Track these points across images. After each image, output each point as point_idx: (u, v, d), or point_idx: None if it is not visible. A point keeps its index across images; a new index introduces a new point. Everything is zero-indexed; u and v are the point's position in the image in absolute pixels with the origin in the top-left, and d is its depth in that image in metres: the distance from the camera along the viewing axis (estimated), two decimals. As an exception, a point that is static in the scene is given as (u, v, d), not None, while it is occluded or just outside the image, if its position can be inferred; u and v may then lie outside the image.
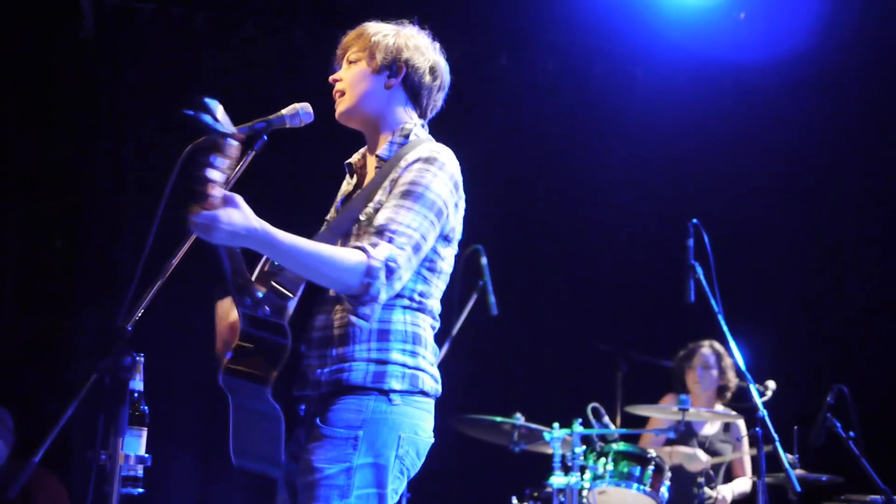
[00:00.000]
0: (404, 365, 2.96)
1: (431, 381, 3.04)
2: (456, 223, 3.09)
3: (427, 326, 3.06)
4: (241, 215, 2.65)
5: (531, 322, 7.48)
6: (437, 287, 3.08)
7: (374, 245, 2.82)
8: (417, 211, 2.91)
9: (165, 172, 2.83)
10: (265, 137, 3.08)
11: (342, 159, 3.30)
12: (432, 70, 3.23)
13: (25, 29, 6.54)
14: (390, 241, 2.84)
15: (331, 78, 3.25)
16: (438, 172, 2.98)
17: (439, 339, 6.04)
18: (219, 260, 2.85)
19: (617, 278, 7.65)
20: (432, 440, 3.07)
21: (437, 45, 3.30)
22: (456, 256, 3.18)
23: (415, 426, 2.98)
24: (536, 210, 7.67)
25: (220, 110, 2.60)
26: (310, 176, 6.81)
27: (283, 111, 3.14)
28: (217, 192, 2.59)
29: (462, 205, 3.13)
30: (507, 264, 6.98)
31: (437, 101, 3.29)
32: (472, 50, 7.42)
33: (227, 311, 3.08)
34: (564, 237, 7.66)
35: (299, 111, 3.14)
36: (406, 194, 2.93)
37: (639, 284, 7.62)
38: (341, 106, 3.21)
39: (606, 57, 7.66)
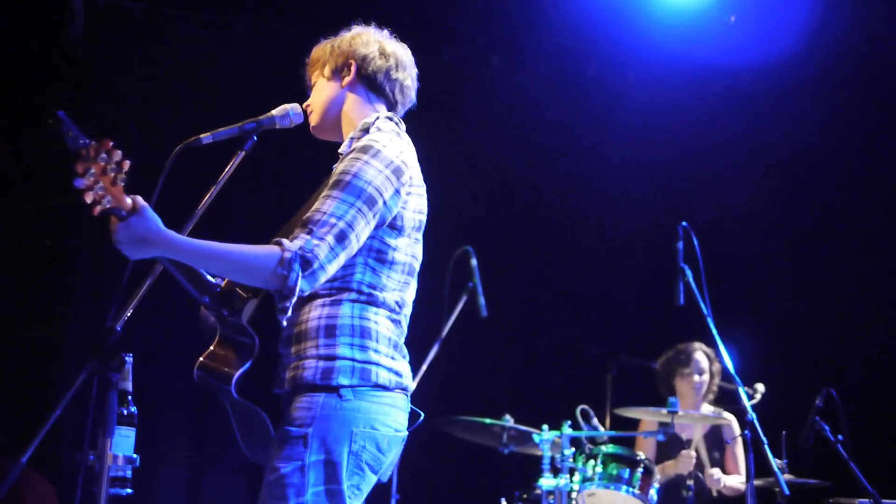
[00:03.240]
0: (353, 359, 2.94)
1: (388, 374, 2.99)
2: (406, 211, 3.05)
3: (381, 319, 3.02)
4: (142, 225, 2.70)
5: (521, 324, 7.48)
6: (393, 278, 3.05)
7: (293, 238, 2.84)
8: (343, 199, 2.89)
9: (155, 172, 2.83)
10: (255, 138, 3.09)
11: (332, 160, 3.30)
12: (383, 54, 3.24)
13: (16, 28, 6.52)
14: (310, 232, 2.84)
15: (304, 105, 3.27)
16: (371, 160, 2.96)
17: (429, 340, 6.08)
18: (167, 269, 2.88)
19: (607, 281, 7.65)
20: (401, 433, 3.05)
21: (386, 31, 3.30)
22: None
23: (370, 420, 2.95)
24: (527, 212, 7.68)
25: (69, 121, 2.61)
26: (304, 177, 6.81)
27: (274, 111, 3.16)
28: (120, 202, 2.63)
29: (415, 192, 3.09)
30: (497, 266, 6.98)
31: (403, 80, 3.28)
32: (464, 52, 7.43)
33: None
34: (555, 239, 7.67)
35: (289, 112, 3.16)
36: (334, 185, 2.93)
37: (628, 287, 7.63)
38: (311, 122, 3.26)
39: (598, 60, 7.67)
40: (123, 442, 3.15)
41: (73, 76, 6.68)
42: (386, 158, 2.98)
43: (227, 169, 3.03)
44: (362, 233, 2.92)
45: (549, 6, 7.21)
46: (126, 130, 6.71)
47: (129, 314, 2.81)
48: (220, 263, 2.83)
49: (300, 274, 2.79)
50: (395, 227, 3.03)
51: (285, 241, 2.82)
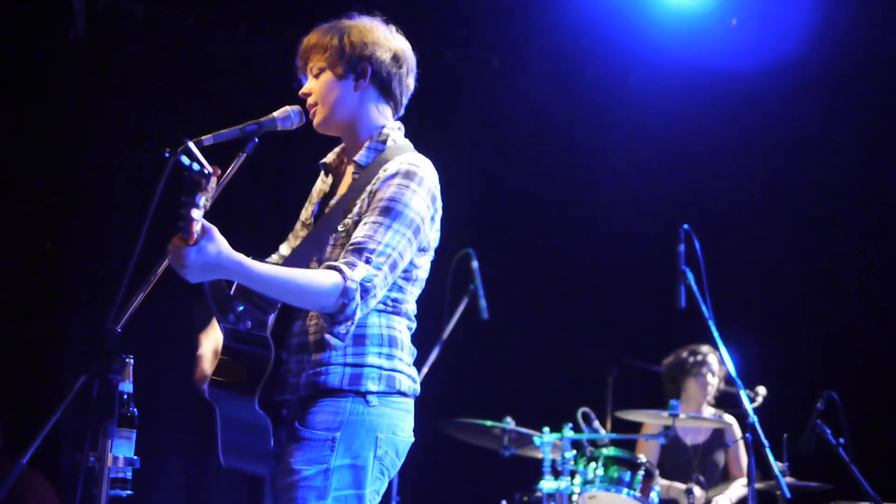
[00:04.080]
0: (380, 367, 2.98)
1: (409, 382, 3.05)
2: (433, 234, 3.10)
3: (403, 328, 3.08)
4: (214, 249, 2.65)
5: (522, 326, 7.48)
6: (412, 293, 3.11)
7: (351, 266, 2.84)
8: (396, 230, 2.92)
9: (155, 173, 2.82)
10: (256, 140, 3.08)
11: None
12: (396, 58, 3.21)
13: (16, 28, 6.52)
14: (368, 261, 2.86)
15: (300, 93, 3.25)
16: (417, 189, 2.99)
17: (430, 342, 6.09)
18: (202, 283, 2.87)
19: (608, 283, 7.64)
20: (412, 439, 3.09)
21: (394, 28, 3.27)
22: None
23: (393, 426, 3.00)
24: (527, 214, 7.67)
25: (195, 149, 2.59)
26: (304, 179, 6.80)
27: (275, 114, 3.14)
28: (196, 226, 2.59)
29: (439, 215, 3.13)
30: (498, 268, 6.97)
31: (409, 84, 3.27)
32: (465, 54, 7.43)
33: (211, 340, 3.12)
34: (556, 241, 7.66)
35: (290, 113, 3.14)
36: (385, 211, 2.94)
37: (630, 289, 7.62)
38: (317, 118, 3.21)
39: (598, 62, 7.66)
40: (124, 443, 3.14)
41: (74, 77, 6.68)
42: (427, 186, 3.02)
43: (228, 171, 3.02)
44: (408, 260, 2.98)
45: (551, 8, 7.20)
46: (126, 131, 6.71)
47: (130, 315, 2.81)
48: (283, 291, 2.82)
49: (359, 303, 2.82)
50: (424, 249, 3.09)
51: (346, 270, 2.82)
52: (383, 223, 2.92)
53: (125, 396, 3.16)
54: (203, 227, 2.62)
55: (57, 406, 2.79)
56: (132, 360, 3.14)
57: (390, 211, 2.94)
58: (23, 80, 6.56)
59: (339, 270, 2.82)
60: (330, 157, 3.29)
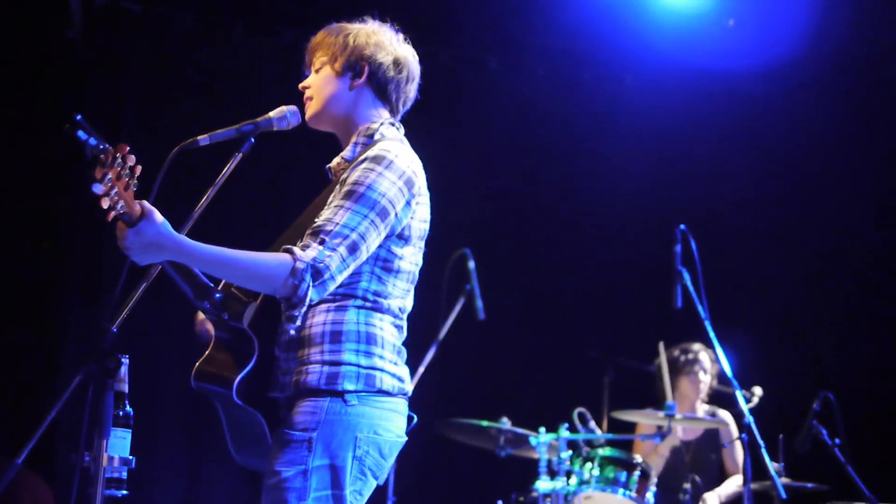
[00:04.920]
0: (358, 365, 2.96)
1: (392, 380, 3.02)
2: (413, 221, 3.07)
3: (386, 325, 3.04)
4: (153, 230, 2.69)
5: (518, 326, 7.48)
6: (397, 286, 3.07)
7: (304, 247, 2.85)
8: (356, 211, 2.90)
9: (152, 173, 2.83)
10: (252, 140, 3.09)
11: (329, 161, 3.30)
12: (396, 63, 3.22)
13: (13, 28, 6.51)
14: (322, 242, 2.85)
15: (300, 86, 3.27)
16: (384, 171, 2.97)
17: (426, 342, 6.07)
18: (167, 271, 2.88)
19: (604, 283, 7.64)
20: (402, 439, 3.07)
21: (402, 36, 3.29)
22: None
23: (374, 426, 2.97)
24: (524, 214, 7.67)
25: (87, 125, 2.62)
26: (300, 179, 6.81)
27: (271, 113, 3.15)
28: (110, 203, 2.60)
29: (422, 202, 3.11)
30: (495, 268, 6.97)
31: (409, 92, 3.28)
32: (462, 54, 7.43)
33: None
34: (552, 242, 7.66)
35: (287, 113, 3.15)
36: (347, 194, 2.94)
37: (626, 290, 7.62)
38: (309, 111, 3.23)
39: (595, 63, 7.66)
40: (119, 443, 3.15)
41: (71, 77, 6.67)
42: (398, 169, 2.99)
43: (224, 171, 3.03)
44: (373, 244, 2.94)
45: (548, 9, 7.20)
46: (123, 132, 6.70)
47: (125, 315, 2.81)
48: (230, 270, 2.83)
49: (311, 284, 2.81)
50: (403, 237, 3.05)
51: (297, 251, 2.82)
52: (343, 205, 2.91)
53: (121, 396, 3.16)
54: (143, 208, 2.67)
55: (53, 406, 2.79)
56: (128, 360, 3.15)
57: (352, 194, 2.93)
58: (20, 80, 6.55)
59: (291, 252, 2.82)
60: (334, 162, 3.27)
